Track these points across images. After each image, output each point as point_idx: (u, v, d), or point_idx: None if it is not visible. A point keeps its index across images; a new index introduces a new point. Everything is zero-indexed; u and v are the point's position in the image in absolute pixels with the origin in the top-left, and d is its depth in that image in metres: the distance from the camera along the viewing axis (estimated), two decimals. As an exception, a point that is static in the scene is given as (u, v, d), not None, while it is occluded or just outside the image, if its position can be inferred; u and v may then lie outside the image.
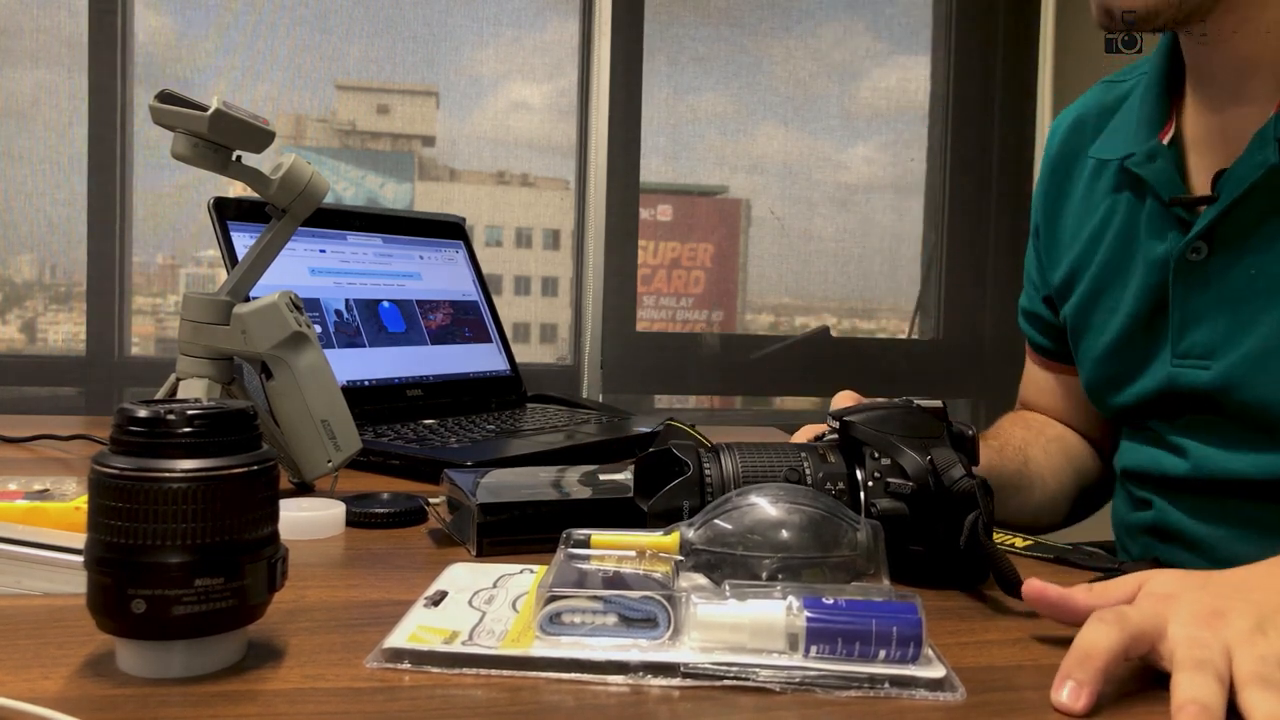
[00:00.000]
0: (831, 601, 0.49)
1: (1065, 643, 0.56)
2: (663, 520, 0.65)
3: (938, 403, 0.70)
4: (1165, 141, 0.84)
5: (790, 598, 0.50)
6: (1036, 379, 1.08)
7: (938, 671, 0.48)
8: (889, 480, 0.65)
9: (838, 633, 0.48)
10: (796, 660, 0.48)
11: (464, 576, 0.62)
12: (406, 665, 0.49)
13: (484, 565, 0.63)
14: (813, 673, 0.48)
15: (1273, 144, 0.75)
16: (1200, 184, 0.82)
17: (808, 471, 0.67)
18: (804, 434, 0.78)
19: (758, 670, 0.48)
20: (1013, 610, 0.61)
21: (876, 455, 0.67)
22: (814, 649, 0.48)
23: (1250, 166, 0.76)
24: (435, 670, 0.48)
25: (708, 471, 0.67)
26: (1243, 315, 0.78)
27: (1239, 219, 0.78)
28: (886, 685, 0.47)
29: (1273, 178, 0.75)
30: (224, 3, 2.07)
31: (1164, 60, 0.87)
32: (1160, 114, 0.86)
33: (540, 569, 0.62)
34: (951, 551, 0.64)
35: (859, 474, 0.66)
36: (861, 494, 0.66)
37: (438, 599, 0.57)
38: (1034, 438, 1.01)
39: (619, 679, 0.48)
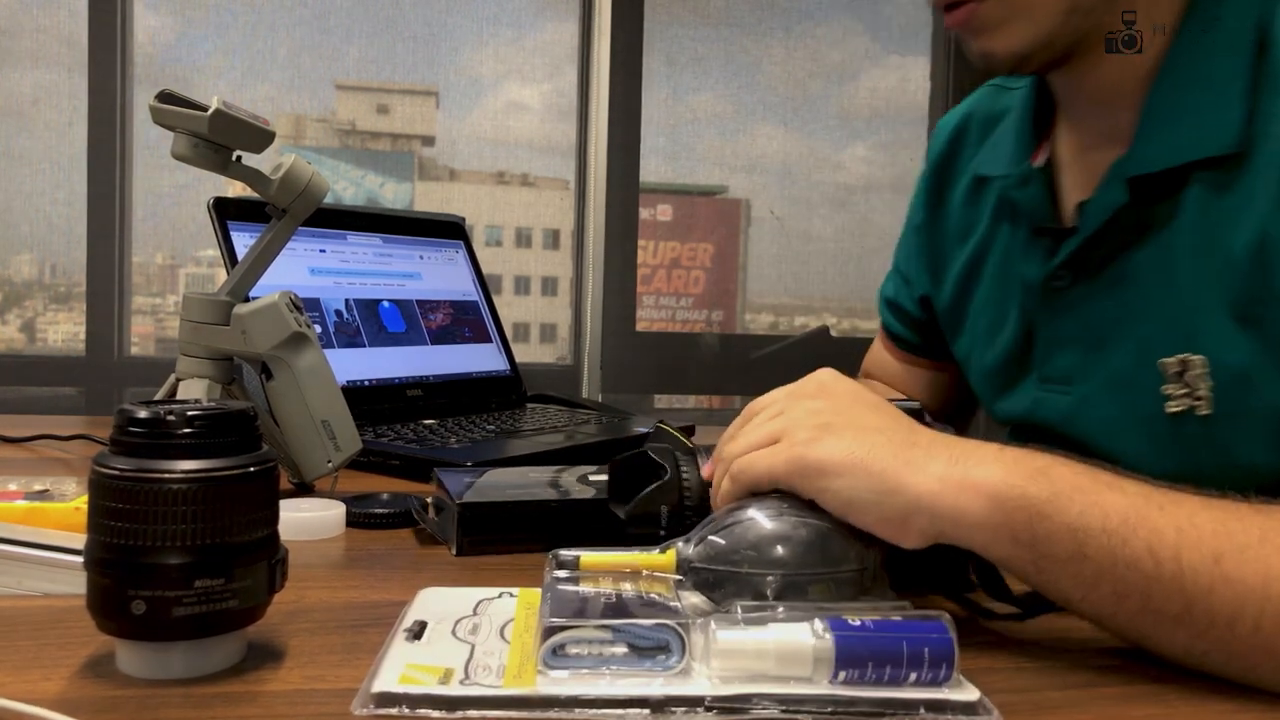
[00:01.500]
0: (858, 623, 0.46)
1: (1066, 647, 0.56)
2: (640, 526, 0.64)
3: (915, 403, 0.69)
4: (1038, 165, 0.84)
5: (815, 620, 0.47)
6: (884, 363, 1.11)
7: (971, 694, 0.46)
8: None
9: (868, 656, 0.45)
10: (824, 687, 0.45)
11: (440, 602, 0.57)
12: (401, 710, 0.44)
13: (458, 590, 0.60)
14: (844, 700, 0.45)
15: (1122, 184, 0.74)
16: (1069, 211, 0.81)
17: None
18: None
19: (787, 701, 0.45)
20: (1010, 619, 0.61)
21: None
22: (842, 674, 0.45)
23: (1102, 205, 0.76)
24: (435, 714, 0.44)
25: (685, 475, 0.66)
26: (1100, 346, 0.79)
27: (1098, 250, 0.77)
28: (921, 711, 0.45)
29: (1125, 215, 0.74)
30: (224, 3, 2.07)
31: (1036, 81, 0.87)
32: (1032, 136, 0.86)
33: (521, 592, 0.59)
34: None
35: None
36: None
37: (418, 630, 0.52)
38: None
39: (639, 714, 0.44)
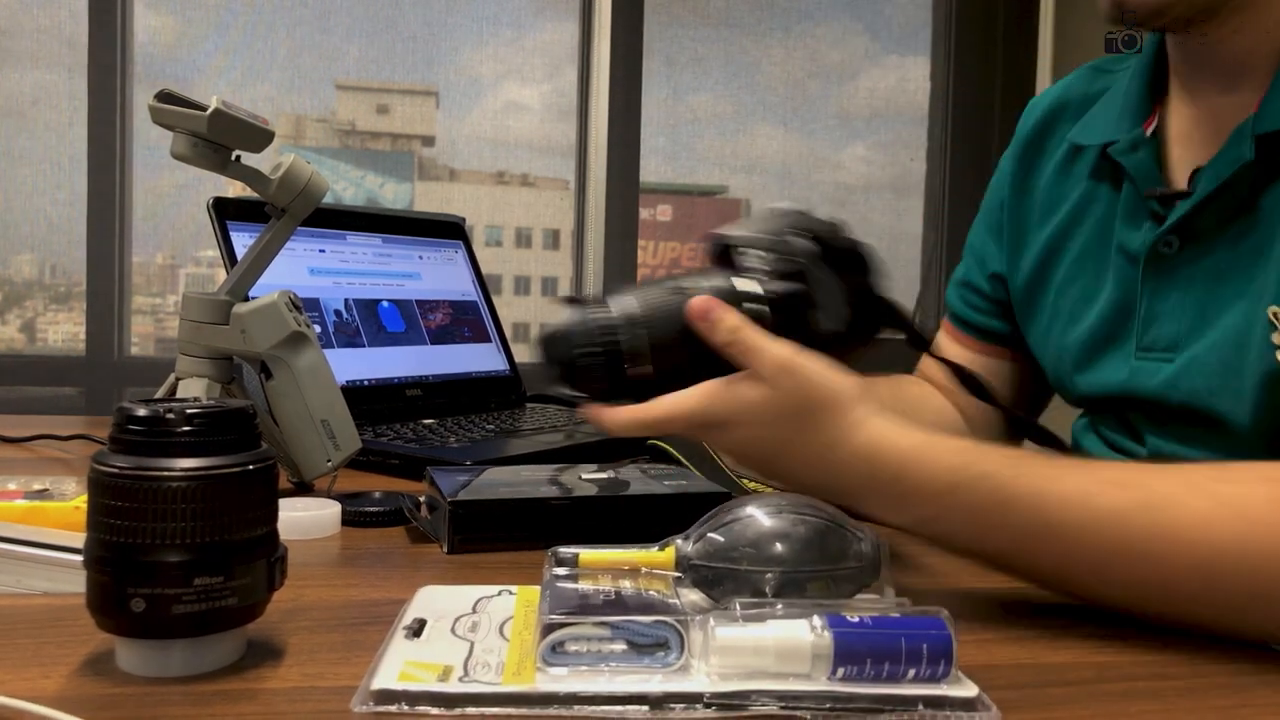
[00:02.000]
0: (856, 619, 0.47)
1: (1066, 644, 0.56)
2: (556, 367, 0.64)
3: (798, 206, 0.68)
4: (1148, 133, 0.84)
5: (814, 617, 0.47)
6: (944, 353, 1.05)
7: (969, 690, 0.46)
8: (773, 269, 0.64)
9: (866, 653, 0.45)
10: (822, 684, 0.46)
11: (438, 600, 0.57)
12: (400, 708, 0.44)
13: (458, 587, 0.60)
14: (842, 696, 0.45)
15: (1249, 140, 0.74)
16: (1179, 179, 0.82)
17: (690, 286, 0.64)
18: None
19: (786, 697, 0.45)
20: (1011, 608, 0.61)
21: (742, 255, 0.65)
22: (841, 670, 0.45)
23: (1226, 162, 0.76)
24: (434, 711, 0.44)
25: (600, 308, 0.64)
26: (1207, 310, 0.79)
27: (1210, 214, 0.78)
28: (920, 707, 0.45)
29: (1245, 173, 0.75)
30: (224, 3, 2.08)
31: (1152, 53, 0.87)
32: (1145, 105, 0.86)
33: (520, 590, 0.59)
34: (859, 312, 0.64)
35: (734, 280, 0.65)
36: (754, 288, 0.64)
37: (417, 628, 0.52)
38: (885, 382, 1.00)
39: (638, 710, 0.44)
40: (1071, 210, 0.91)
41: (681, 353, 0.64)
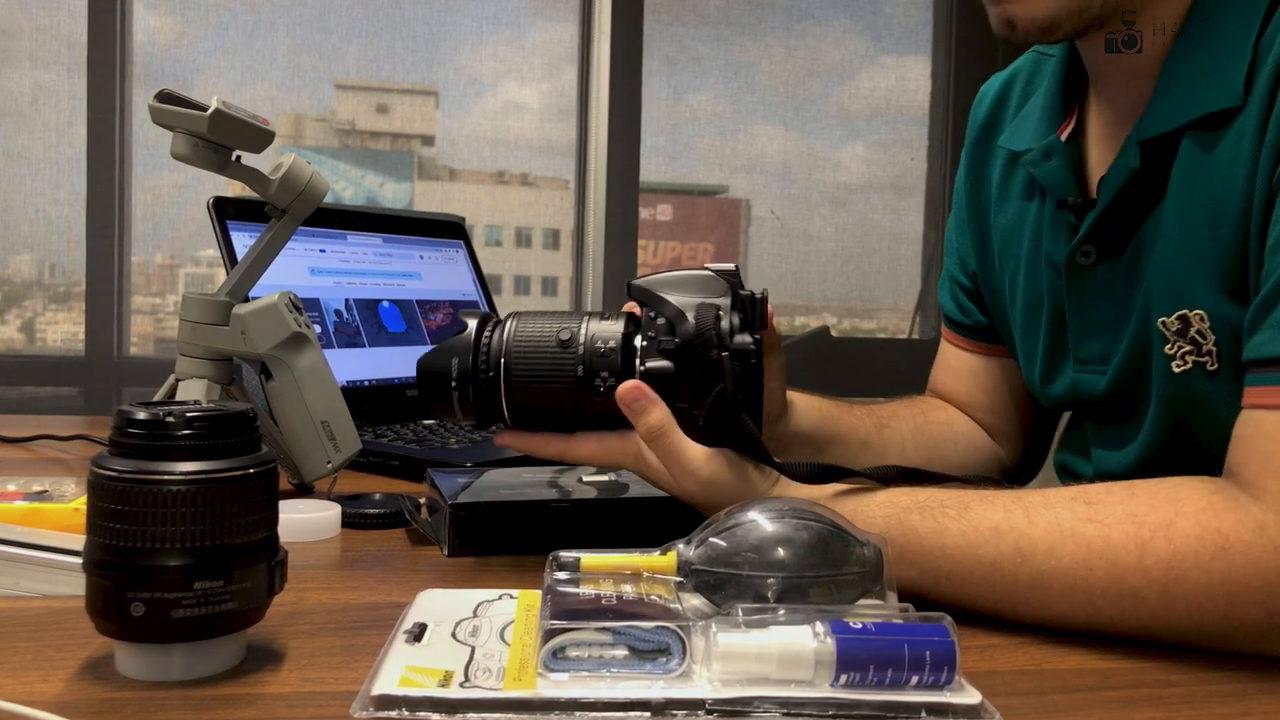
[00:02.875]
0: (859, 625, 0.46)
1: (1069, 650, 0.56)
2: (429, 382, 0.68)
3: (730, 266, 0.68)
4: (1064, 137, 0.82)
5: (816, 623, 0.46)
6: (950, 362, 1.04)
7: (972, 698, 0.45)
8: (660, 339, 0.65)
9: (869, 659, 0.45)
10: (824, 690, 0.45)
11: (439, 604, 0.57)
12: (401, 713, 0.44)
13: (459, 591, 0.59)
14: (845, 703, 0.45)
15: (1134, 148, 0.73)
16: (1096, 184, 0.80)
17: (582, 331, 0.66)
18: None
19: (788, 704, 0.45)
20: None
21: (653, 315, 0.66)
22: (844, 677, 0.45)
23: (1117, 171, 0.75)
24: (435, 717, 0.44)
25: (487, 336, 0.68)
26: (1124, 320, 0.78)
27: (1115, 222, 0.76)
28: (923, 714, 0.45)
29: (1137, 182, 0.74)
30: (224, 3, 2.07)
31: (1068, 52, 0.85)
32: (1060, 109, 0.84)
33: (522, 594, 0.58)
34: (716, 414, 0.64)
35: (637, 339, 0.66)
36: (635, 352, 0.66)
37: (418, 633, 0.52)
38: (907, 410, 0.99)
39: (639, 716, 0.44)
40: (1015, 215, 0.89)
41: (537, 398, 0.68)
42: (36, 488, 0.76)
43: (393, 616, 0.55)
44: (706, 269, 0.68)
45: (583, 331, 0.67)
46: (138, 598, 0.46)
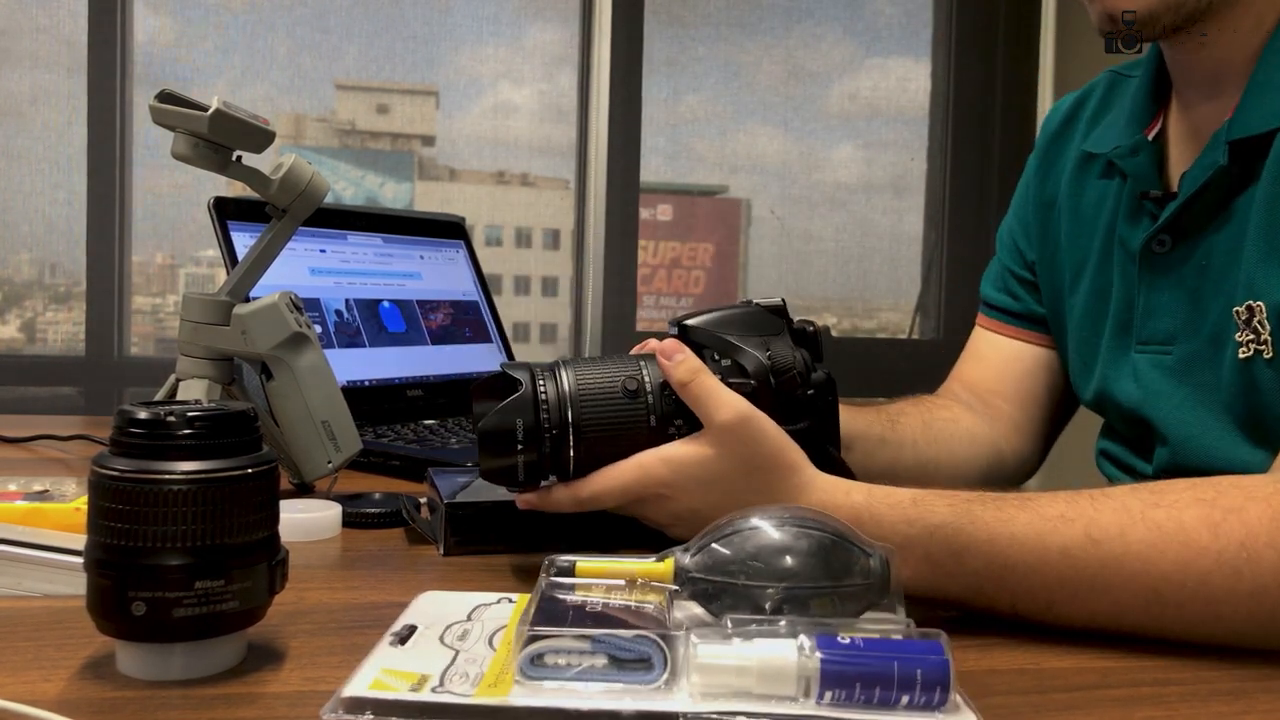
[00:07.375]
0: (848, 641, 0.44)
1: (1069, 649, 0.56)
2: (493, 443, 0.63)
3: (777, 300, 0.69)
4: (1150, 137, 0.89)
5: (802, 637, 0.44)
6: (981, 350, 1.07)
7: None
8: (730, 381, 0.65)
9: (855, 677, 0.43)
10: (809, 708, 0.43)
11: (435, 607, 0.55)
12: (366, 716, 0.43)
13: (459, 593, 0.58)
14: None
15: (1223, 146, 0.79)
16: (1175, 181, 0.87)
17: (646, 379, 0.65)
18: (647, 347, 0.76)
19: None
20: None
21: (717, 357, 0.66)
22: (829, 695, 0.43)
23: (1203, 167, 0.81)
24: None
25: (542, 388, 0.64)
26: (1195, 307, 0.83)
27: (1195, 215, 0.83)
28: None
29: (1221, 178, 0.80)
30: (224, 3, 2.07)
31: (1156, 58, 0.91)
32: (1148, 110, 0.91)
33: (520, 598, 0.57)
34: (805, 451, 0.64)
35: None
36: None
37: (405, 635, 0.51)
38: (913, 408, 1.01)
39: None
40: (1089, 210, 0.95)
41: (608, 445, 0.65)
42: (37, 487, 0.76)
43: (393, 616, 0.55)
44: (754, 304, 0.68)
45: (647, 379, 0.66)
46: (138, 597, 0.46)
